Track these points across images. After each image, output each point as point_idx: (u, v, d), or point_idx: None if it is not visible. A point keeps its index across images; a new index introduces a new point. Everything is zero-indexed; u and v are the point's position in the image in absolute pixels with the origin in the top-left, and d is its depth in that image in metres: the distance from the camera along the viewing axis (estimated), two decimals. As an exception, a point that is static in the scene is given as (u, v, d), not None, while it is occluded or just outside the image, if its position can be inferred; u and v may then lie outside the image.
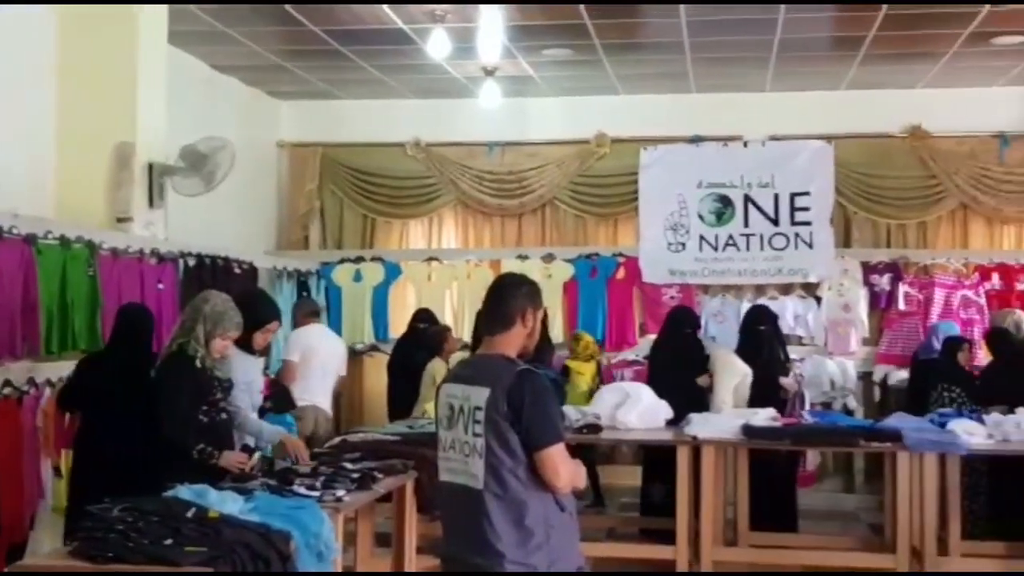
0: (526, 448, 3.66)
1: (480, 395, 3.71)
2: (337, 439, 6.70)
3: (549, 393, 3.77)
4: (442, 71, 9.66)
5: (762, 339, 8.39)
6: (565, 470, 3.70)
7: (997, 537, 7.72)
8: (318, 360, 8.25)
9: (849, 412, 9.59)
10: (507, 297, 3.90)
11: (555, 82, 10.23)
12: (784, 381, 8.27)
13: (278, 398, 6.82)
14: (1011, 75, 9.77)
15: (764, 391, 8.08)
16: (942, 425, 7.47)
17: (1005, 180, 10.18)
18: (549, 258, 10.47)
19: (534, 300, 3.94)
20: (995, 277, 9.96)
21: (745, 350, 8.38)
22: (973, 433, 7.32)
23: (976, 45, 8.82)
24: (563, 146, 10.83)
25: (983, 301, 9.86)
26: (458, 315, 10.39)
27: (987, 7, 7.80)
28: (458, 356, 8.60)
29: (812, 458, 8.37)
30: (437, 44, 8.09)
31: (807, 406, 8.67)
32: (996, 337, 8.50)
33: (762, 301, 10.10)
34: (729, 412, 7.83)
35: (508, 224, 11.05)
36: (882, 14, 8.00)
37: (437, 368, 8.60)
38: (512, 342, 3.87)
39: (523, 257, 10.48)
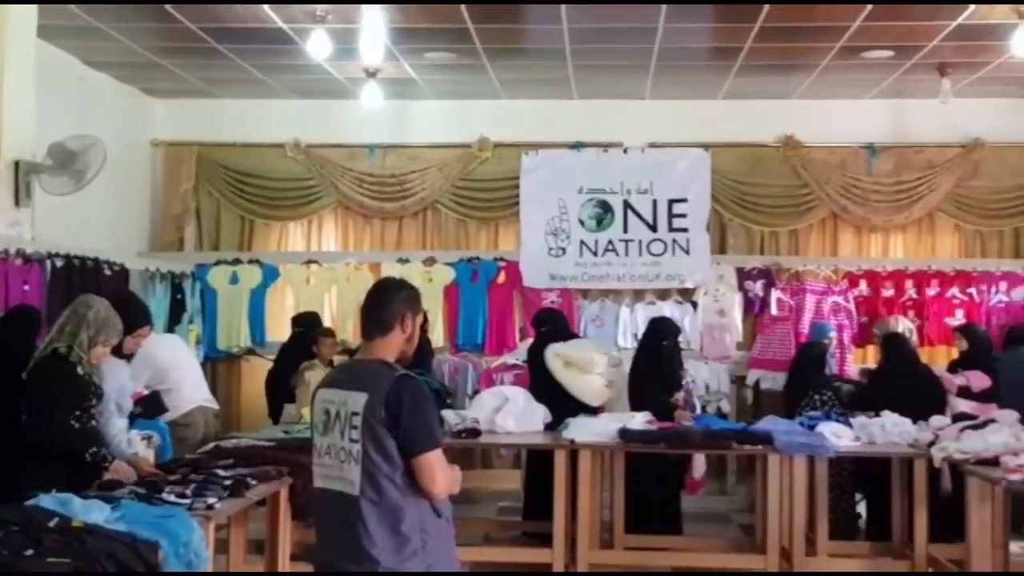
0: (403, 454, 3.65)
1: (358, 400, 3.68)
2: (210, 445, 6.58)
3: (427, 399, 3.76)
4: (323, 72, 9.56)
5: (662, 354, 8.41)
6: (442, 476, 3.70)
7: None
8: (186, 360, 8.02)
9: (723, 415, 9.78)
10: (386, 302, 3.88)
11: (438, 85, 10.22)
12: (677, 396, 8.32)
13: (148, 404, 6.66)
14: (880, 88, 10.08)
15: (654, 404, 8.03)
16: (811, 428, 7.69)
17: (873, 190, 10.50)
18: (430, 262, 10.45)
19: (413, 305, 3.93)
20: (863, 284, 10.26)
21: (646, 365, 8.36)
22: (840, 435, 7.55)
23: (847, 59, 9.08)
24: (445, 149, 10.81)
25: (852, 307, 10.16)
26: (337, 319, 10.29)
27: (857, 22, 8.03)
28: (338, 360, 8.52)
29: (699, 465, 8.45)
30: (317, 45, 7.99)
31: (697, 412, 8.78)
32: (889, 342, 8.76)
33: (640, 307, 10.28)
34: (606, 416, 7.91)
35: (389, 227, 10.99)
36: (758, 27, 8.17)
37: (311, 373, 8.52)
38: (391, 347, 3.85)
39: (404, 260, 10.43)
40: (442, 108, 10.81)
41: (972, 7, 7.55)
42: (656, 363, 8.34)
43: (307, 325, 9.24)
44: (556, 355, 8.12)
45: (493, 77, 9.88)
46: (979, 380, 8.46)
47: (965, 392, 8.42)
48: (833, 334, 9.44)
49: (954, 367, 8.79)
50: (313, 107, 10.80)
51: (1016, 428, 7.11)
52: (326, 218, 11.08)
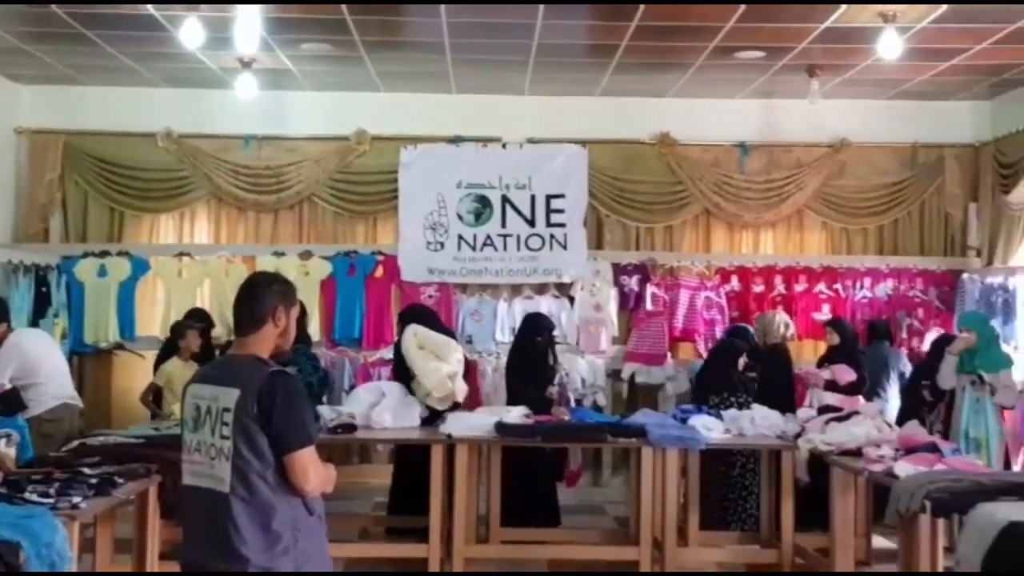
0: (276, 451, 3.60)
1: (229, 396, 3.63)
2: (75, 443, 6.38)
3: (301, 395, 3.72)
4: (196, 61, 9.36)
5: (537, 349, 8.46)
6: (315, 474, 3.66)
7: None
8: (54, 355, 7.78)
9: (598, 409, 9.89)
10: (258, 296, 3.82)
11: (315, 77, 10.09)
12: (551, 390, 8.37)
13: (6, 401, 6.43)
14: (752, 88, 10.30)
15: (530, 399, 8.08)
16: (684, 421, 7.83)
17: (745, 188, 10.73)
18: (306, 255, 10.33)
19: (286, 298, 3.88)
20: (734, 279, 10.49)
21: (521, 360, 8.42)
22: (712, 428, 7.70)
23: (720, 59, 9.25)
24: (322, 142, 10.69)
25: (724, 302, 10.37)
26: (212, 313, 10.07)
27: (730, 24, 8.19)
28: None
29: (575, 457, 8.54)
30: (190, 33, 7.81)
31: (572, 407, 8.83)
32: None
33: (518, 301, 10.33)
34: (483, 410, 7.92)
35: (264, 220, 10.81)
36: (634, 25, 8.27)
37: (172, 369, 8.37)
38: (264, 342, 3.80)
39: (279, 254, 10.29)
40: (319, 100, 10.68)
41: (842, 8, 7.74)
42: (531, 358, 8.40)
43: (202, 322, 9.10)
44: (414, 334, 7.97)
45: (371, 70, 9.80)
46: (844, 373, 8.72)
47: (832, 386, 8.69)
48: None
49: (823, 361, 9.04)
50: (186, 96, 10.56)
51: (878, 420, 7.36)
52: (199, 210, 10.85)
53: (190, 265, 10.29)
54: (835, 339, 8.99)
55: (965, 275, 10.01)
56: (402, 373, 8.02)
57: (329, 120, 10.66)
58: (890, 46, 8.02)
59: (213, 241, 10.72)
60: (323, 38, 8.83)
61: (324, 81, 10.26)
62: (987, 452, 7.60)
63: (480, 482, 8.12)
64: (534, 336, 8.52)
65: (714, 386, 8.51)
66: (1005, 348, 8.40)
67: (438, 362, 7.79)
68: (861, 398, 8.68)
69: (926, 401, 8.54)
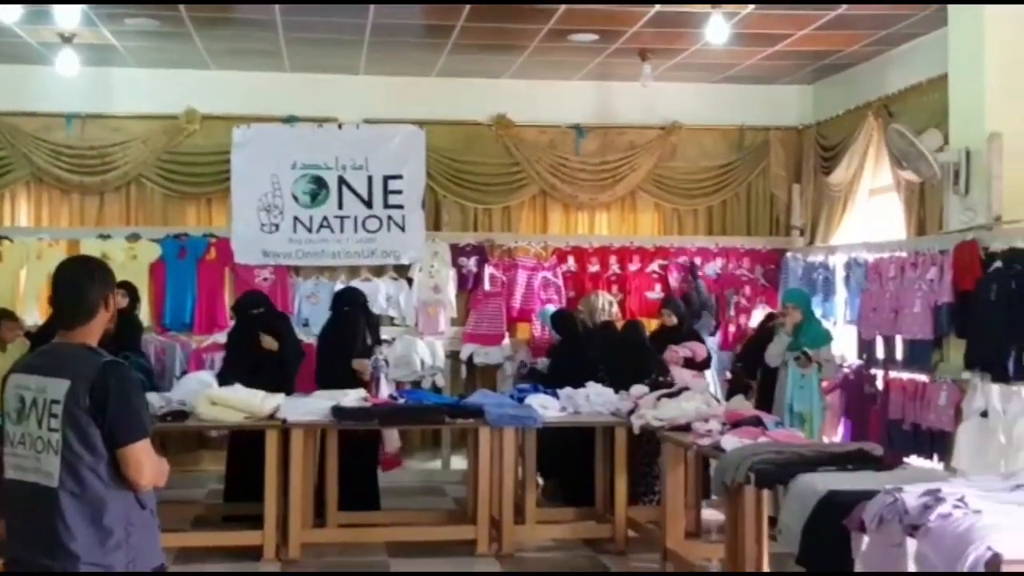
0: (110, 444, 3.49)
1: (59, 387, 3.48)
2: None
3: (136, 386, 3.61)
4: (13, 35, 8.94)
5: (346, 320, 8.44)
6: (150, 468, 3.56)
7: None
8: None
9: (438, 390, 9.91)
10: (86, 287, 3.65)
11: (140, 53, 9.77)
12: (355, 363, 8.31)
13: None
14: (586, 70, 10.43)
15: (338, 373, 8.12)
16: (521, 400, 7.91)
17: (580, 169, 10.87)
18: (134, 238, 10.00)
19: (109, 281, 3.74)
20: (571, 260, 10.61)
21: (330, 330, 8.44)
22: (548, 407, 7.81)
23: (554, 41, 9.33)
24: (150, 121, 10.36)
25: (560, 282, 10.49)
26: (27, 298, 9.67)
27: (563, 7, 8.26)
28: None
29: (391, 441, 8.51)
30: (5, 6, 7.46)
31: (384, 391, 8.76)
32: (559, 319, 9.15)
33: (355, 283, 10.23)
34: (319, 394, 7.83)
35: (89, 202, 10.41)
36: (469, 6, 8.27)
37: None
38: (95, 331, 3.66)
39: (105, 236, 9.94)
40: (146, 77, 10.35)
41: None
42: (339, 329, 8.37)
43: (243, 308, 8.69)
44: (208, 397, 7.46)
45: (200, 46, 9.54)
46: (700, 350, 8.95)
47: (689, 362, 8.86)
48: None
49: (670, 339, 9.13)
50: (3, 73, 10.08)
51: (707, 396, 7.58)
52: (19, 192, 10.38)
53: (9, 248, 9.81)
54: (672, 320, 9.19)
55: (789, 254, 10.36)
56: (232, 359, 7.89)
57: (156, 98, 10.34)
58: (717, 31, 8.24)
59: (34, 224, 10.29)
60: (148, 12, 8.54)
61: (151, 58, 9.94)
62: (810, 426, 7.88)
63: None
64: (342, 306, 8.52)
65: (633, 370, 8.48)
66: (825, 324, 8.72)
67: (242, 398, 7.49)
68: (706, 374, 8.96)
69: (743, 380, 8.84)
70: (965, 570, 3.68)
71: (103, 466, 3.48)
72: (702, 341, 9.15)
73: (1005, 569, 3.66)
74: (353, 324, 8.43)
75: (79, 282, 3.67)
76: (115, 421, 3.47)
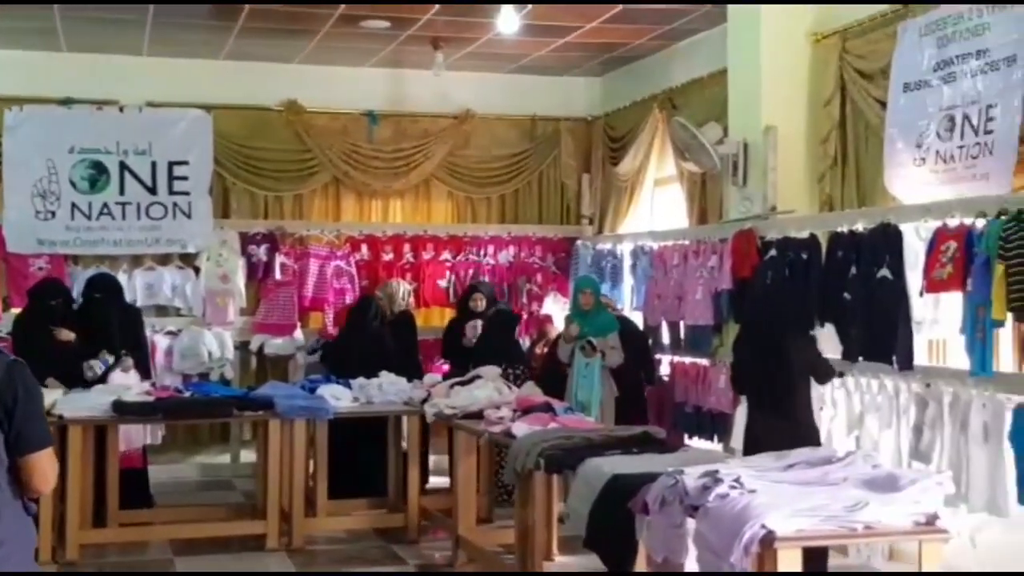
0: (14, 451, 3.23)
1: None
2: None
3: (39, 390, 3.37)
4: None
5: (95, 307, 8.10)
6: (53, 475, 3.35)
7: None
8: None
9: (226, 382, 9.65)
10: None
11: (-101, 28, 9.14)
12: (59, 332, 7.86)
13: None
14: (379, 57, 10.35)
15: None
16: (313, 391, 7.80)
17: (373, 156, 10.78)
18: None
19: None
20: (364, 248, 10.52)
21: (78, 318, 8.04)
22: (340, 397, 7.73)
23: (346, 27, 9.21)
24: (-89, 101, 9.71)
25: (354, 271, 10.38)
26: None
27: (352, -8, 8.19)
28: None
29: (136, 438, 8.10)
30: None
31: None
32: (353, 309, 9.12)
33: (139, 272, 9.88)
34: (100, 388, 7.50)
35: None
36: (256, -12, 8.09)
37: None
38: None
39: None
40: (-93, 54, 9.70)
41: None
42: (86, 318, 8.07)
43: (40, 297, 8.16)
44: None
45: (-33, 23, 9.00)
46: None
47: None
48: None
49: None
50: None
51: (499, 383, 7.64)
52: None
53: None
54: (482, 304, 9.19)
55: (579, 242, 10.56)
56: (21, 350, 7.47)
57: (-83, 78, 9.70)
58: (508, 21, 8.34)
59: None
60: (-93, -15, 8.00)
61: (-89, 33, 9.32)
62: (592, 413, 7.99)
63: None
64: (92, 293, 8.24)
65: (492, 356, 8.39)
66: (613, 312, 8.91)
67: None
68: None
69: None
70: (741, 547, 3.82)
71: (2, 473, 3.24)
72: None
73: (777, 546, 3.83)
74: (105, 311, 8.05)
75: None
76: (23, 427, 3.22)
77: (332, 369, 8.43)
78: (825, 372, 6.25)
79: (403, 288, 9.40)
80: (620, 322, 8.31)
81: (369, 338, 8.63)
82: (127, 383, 7.61)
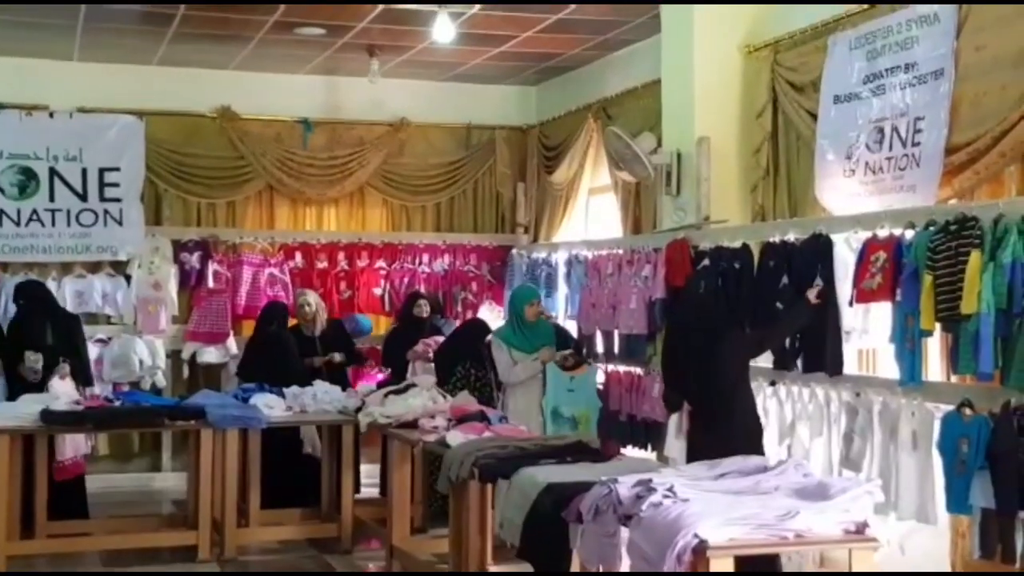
0: None
1: None
2: None
3: None
4: None
5: (19, 315, 8.05)
6: None
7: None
8: None
9: (158, 391, 9.55)
10: None
11: None
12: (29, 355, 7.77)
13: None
14: (314, 64, 10.30)
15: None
16: (246, 400, 7.74)
17: (308, 164, 10.71)
18: None
19: None
20: (298, 256, 10.46)
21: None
22: (273, 406, 7.68)
23: (281, 33, 9.15)
24: None
25: (288, 279, 10.30)
26: None
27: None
28: None
29: (65, 448, 7.97)
30: None
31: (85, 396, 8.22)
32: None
33: (69, 279, 9.74)
34: (29, 397, 7.37)
35: None
36: (189, -7, 8.01)
37: None
38: None
39: None
40: None
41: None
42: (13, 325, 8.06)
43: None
44: None
45: None
46: None
47: None
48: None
49: (417, 333, 9.08)
50: None
51: (433, 392, 7.62)
52: None
53: None
54: (426, 311, 9.18)
55: (514, 251, 10.58)
56: None
57: None
58: (444, 30, 8.33)
59: None
60: None
61: None
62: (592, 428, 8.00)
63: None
64: (17, 300, 8.23)
65: (460, 358, 8.40)
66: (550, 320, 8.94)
67: None
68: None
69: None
70: (674, 556, 3.85)
71: None
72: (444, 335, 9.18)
73: (710, 555, 3.87)
74: (29, 319, 7.96)
75: None
76: None
77: (244, 380, 8.42)
78: (768, 337, 6.30)
79: (312, 298, 9.24)
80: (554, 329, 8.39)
81: (270, 345, 8.61)
82: (66, 389, 7.51)
